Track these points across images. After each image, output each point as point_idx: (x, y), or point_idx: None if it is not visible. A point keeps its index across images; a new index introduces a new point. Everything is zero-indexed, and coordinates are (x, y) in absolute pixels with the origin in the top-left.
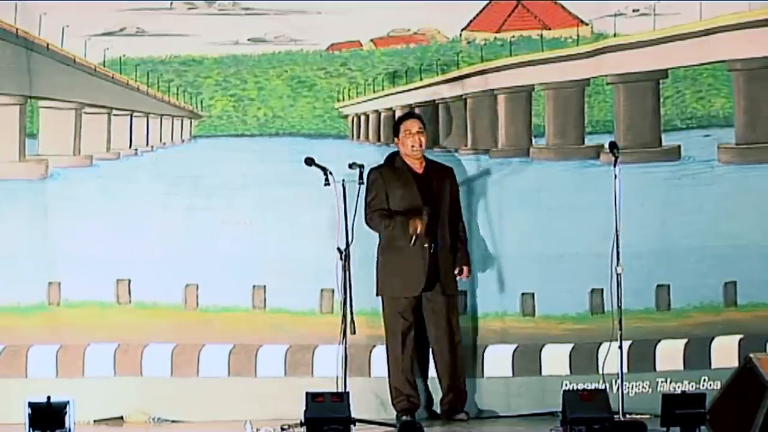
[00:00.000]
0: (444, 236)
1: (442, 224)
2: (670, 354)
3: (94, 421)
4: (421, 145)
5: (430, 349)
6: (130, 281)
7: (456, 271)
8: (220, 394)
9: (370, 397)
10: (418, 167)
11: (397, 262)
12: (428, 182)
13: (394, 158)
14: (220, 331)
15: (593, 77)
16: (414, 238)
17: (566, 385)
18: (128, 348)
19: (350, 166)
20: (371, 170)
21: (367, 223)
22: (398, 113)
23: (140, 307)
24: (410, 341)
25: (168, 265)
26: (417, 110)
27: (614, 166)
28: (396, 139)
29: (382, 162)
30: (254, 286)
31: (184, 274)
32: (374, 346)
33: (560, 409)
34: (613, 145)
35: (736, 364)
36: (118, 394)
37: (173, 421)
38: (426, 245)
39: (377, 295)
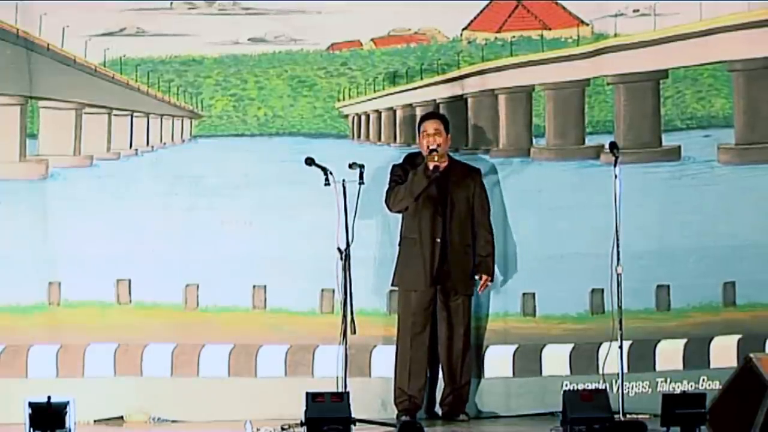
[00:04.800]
0: (458, 236)
1: (456, 224)
2: (669, 354)
3: (94, 421)
4: (438, 146)
5: (439, 350)
6: (130, 281)
7: (477, 277)
8: (220, 394)
9: (371, 397)
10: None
11: (409, 254)
12: (446, 181)
13: (416, 156)
14: (220, 331)
15: (593, 77)
16: (435, 170)
17: (566, 385)
18: (128, 348)
19: (350, 166)
20: (393, 165)
21: (389, 205)
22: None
23: (140, 307)
24: (421, 344)
25: (168, 265)
26: (441, 108)
27: (614, 166)
28: (418, 139)
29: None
30: (254, 286)
31: (184, 274)
32: (374, 346)
33: (560, 409)
34: (613, 146)
35: (734, 363)
36: (118, 394)
37: (173, 421)
38: (438, 240)
39: (392, 285)
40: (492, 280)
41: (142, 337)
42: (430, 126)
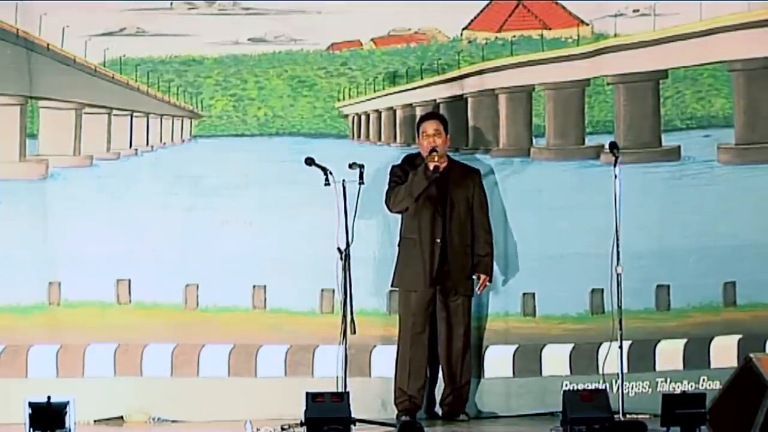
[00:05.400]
0: (458, 236)
1: (456, 224)
2: (669, 354)
3: (94, 421)
4: (437, 146)
5: (438, 350)
6: (130, 281)
7: (474, 277)
8: (220, 394)
9: (370, 397)
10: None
11: (409, 254)
12: (445, 181)
13: (415, 157)
14: (220, 331)
15: (593, 77)
16: (435, 170)
17: (566, 385)
18: (128, 348)
19: (350, 166)
20: (392, 166)
21: (389, 206)
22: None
23: (140, 307)
24: (420, 344)
25: (168, 265)
26: (441, 108)
27: (614, 166)
28: (417, 140)
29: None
30: (254, 286)
31: (184, 274)
32: (374, 346)
33: (560, 409)
34: (613, 146)
35: (735, 363)
36: (118, 394)
37: (173, 421)
38: (438, 240)
39: (392, 286)
40: (491, 280)
41: (142, 337)
42: (430, 126)
